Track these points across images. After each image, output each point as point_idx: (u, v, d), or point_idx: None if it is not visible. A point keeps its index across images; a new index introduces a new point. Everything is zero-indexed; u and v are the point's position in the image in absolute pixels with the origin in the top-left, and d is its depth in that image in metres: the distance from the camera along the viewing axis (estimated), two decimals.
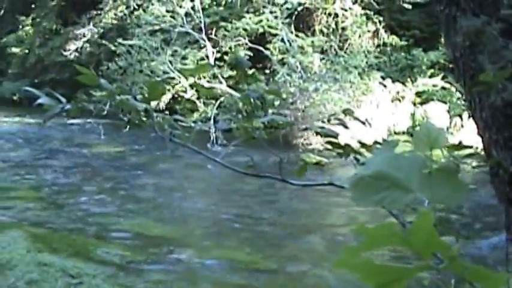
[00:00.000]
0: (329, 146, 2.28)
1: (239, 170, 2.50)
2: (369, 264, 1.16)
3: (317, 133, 2.34)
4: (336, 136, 2.25)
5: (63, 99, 2.41)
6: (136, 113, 2.47)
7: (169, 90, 18.04)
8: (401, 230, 1.17)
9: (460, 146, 2.06)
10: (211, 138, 16.29)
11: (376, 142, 2.13)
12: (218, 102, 17.72)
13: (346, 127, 2.33)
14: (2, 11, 36.70)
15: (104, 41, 25.27)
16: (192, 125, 16.56)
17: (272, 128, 12.34)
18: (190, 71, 2.41)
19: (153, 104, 2.64)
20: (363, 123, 2.52)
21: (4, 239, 6.96)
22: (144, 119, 2.45)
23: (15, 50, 33.94)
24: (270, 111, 2.64)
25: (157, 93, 2.47)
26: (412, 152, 1.40)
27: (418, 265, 1.15)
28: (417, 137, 1.41)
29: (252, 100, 2.41)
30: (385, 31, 20.90)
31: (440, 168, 1.32)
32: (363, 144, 2.16)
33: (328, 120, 2.32)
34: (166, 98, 18.84)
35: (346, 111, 2.55)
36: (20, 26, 34.52)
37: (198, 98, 18.30)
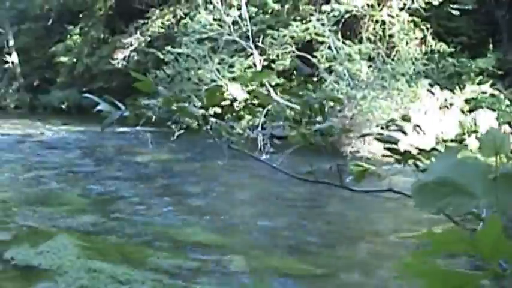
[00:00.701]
0: (388, 152, 2.27)
1: (298, 177, 2.50)
2: (436, 270, 1.16)
3: (377, 139, 2.33)
4: (396, 142, 2.24)
5: (122, 106, 2.45)
6: (194, 120, 2.49)
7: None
8: (468, 235, 1.17)
9: None
10: (259, 146, 16.30)
11: (434, 149, 2.13)
12: (266, 110, 17.74)
13: (405, 133, 2.33)
14: (51, 21, 37.18)
15: (151, 50, 25.50)
16: (241, 132, 16.70)
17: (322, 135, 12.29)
18: (250, 78, 2.41)
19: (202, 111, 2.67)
20: (418, 129, 2.51)
21: (55, 246, 7.06)
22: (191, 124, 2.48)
23: (63, 59, 34.32)
24: (318, 118, 2.64)
25: (216, 99, 2.49)
26: (475, 158, 1.40)
27: (486, 271, 1.14)
28: (483, 143, 1.40)
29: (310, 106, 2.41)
30: (433, 38, 20.72)
31: (506, 174, 1.31)
32: (421, 151, 2.15)
33: (387, 127, 2.31)
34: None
35: (405, 118, 2.54)
36: (68, 36, 34.93)
37: (246, 106, 18.31)
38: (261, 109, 18.03)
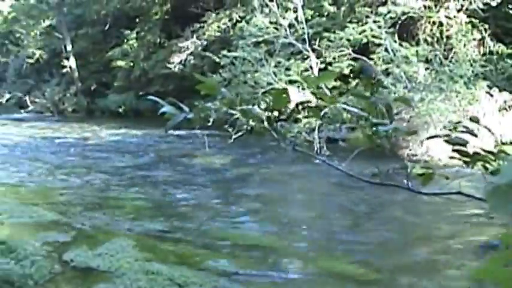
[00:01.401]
0: (455, 155, 2.22)
1: (365, 179, 2.47)
2: None
3: (446, 141, 2.28)
4: (465, 144, 2.19)
5: (186, 108, 2.44)
6: (259, 122, 2.47)
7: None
8: None
9: None
10: (315, 149, 16.26)
11: (501, 151, 2.07)
12: (322, 113, 17.63)
13: (474, 135, 2.27)
14: (107, 26, 37.65)
15: (207, 53, 25.64)
16: (298, 134, 16.66)
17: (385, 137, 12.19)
18: (315, 80, 2.38)
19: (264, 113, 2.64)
20: (489, 131, 2.45)
21: (113, 248, 7.12)
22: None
23: (120, 63, 34.74)
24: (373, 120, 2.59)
25: (282, 102, 2.46)
26: None
27: None
28: None
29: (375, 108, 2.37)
30: (491, 39, 20.44)
31: None
32: (488, 153, 2.10)
33: (455, 128, 2.26)
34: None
35: (473, 119, 2.48)
36: (125, 40, 35.33)
37: (303, 109, 18.24)
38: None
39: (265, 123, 2.48)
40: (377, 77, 18.91)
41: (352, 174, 2.55)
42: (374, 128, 2.36)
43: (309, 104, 2.44)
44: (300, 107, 17.62)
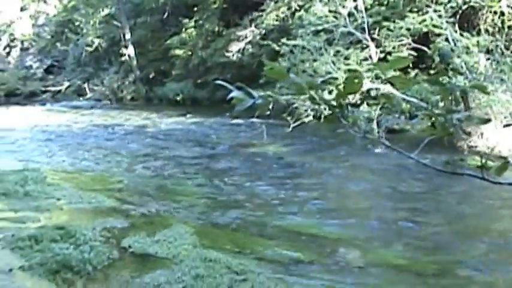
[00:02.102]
0: None
1: (438, 168, 2.39)
2: None
3: None
4: None
5: (255, 94, 2.39)
6: (330, 108, 2.41)
7: (324, 90, 18.01)
8: None
9: None
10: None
11: None
12: (381, 103, 17.47)
13: None
14: (166, 14, 37.84)
15: (265, 42, 25.56)
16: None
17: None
18: (388, 65, 2.32)
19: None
20: None
21: (171, 234, 7.16)
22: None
23: (178, 51, 34.87)
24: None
25: (354, 87, 2.39)
26: None
27: None
28: None
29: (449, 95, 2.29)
30: None
31: None
32: None
33: None
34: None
35: None
36: (184, 29, 35.41)
37: (384, 95, 18.03)
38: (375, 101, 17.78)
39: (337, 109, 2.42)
40: (437, 67, 18.66)
41: (425, 163, 2.47)
42: (447, 117, 2.28)
43: (382, 92, 2.37)
44: (358, 96, 17.43)
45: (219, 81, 2.67)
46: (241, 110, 2.39)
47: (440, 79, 2.40)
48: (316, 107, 18.75)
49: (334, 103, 2.41)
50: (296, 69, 20.31)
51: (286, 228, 8.16)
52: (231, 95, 2.38)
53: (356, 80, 2.36)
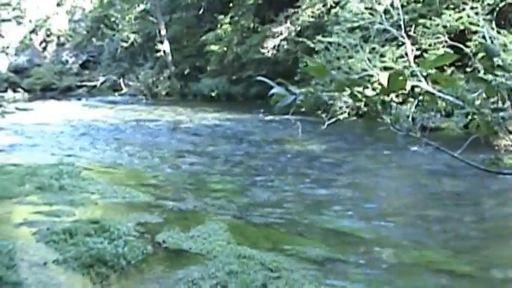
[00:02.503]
0: None
1: (483, 168, 2.35)
2: None
3: None
4: None
5: (297, 91, 2.37)
6: (373, 105, 2.38)
7: (367, 88, 17.92)
8: None
9: None
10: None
11: None
12: (416, 101, 17.33)
13: None
14: (201, 10, 37.91)
15: (301, 39, 25.51)
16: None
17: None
18: (431, 63, 2.27)
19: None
20: None
21: (205, 230, 7.16)
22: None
23: (213, 47, 34.92)
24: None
25: (399, 84, 2.36)
26: None
27: None
28: None
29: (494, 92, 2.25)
30: None
31: None
32: None
33: None
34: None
35: None
36: (219, 25, 35.47)
37: (396, 96, 17.96)
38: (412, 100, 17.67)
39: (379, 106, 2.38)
40: (473, 65, 18.48)
41: (471, 163, 2.42)
42: (493, 115, 2.24)
43: (424, 89, 2.32)
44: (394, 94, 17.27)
45: (260, 78, 2.65)
46: (282, 106, 2.37)
47: (485, 77, 2.35)
48: (350, 103, 18.71)
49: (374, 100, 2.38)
50: (331, 67, 20.24)
51: (321, 226, 8.13)
52: (272, 91, 2.36)
53: (401, 78, 2.33)
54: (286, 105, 2.34)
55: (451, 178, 11.65)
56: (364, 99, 2.41)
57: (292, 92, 2.32)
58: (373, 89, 2.37)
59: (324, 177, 12.00)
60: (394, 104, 2.42)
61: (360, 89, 2.37)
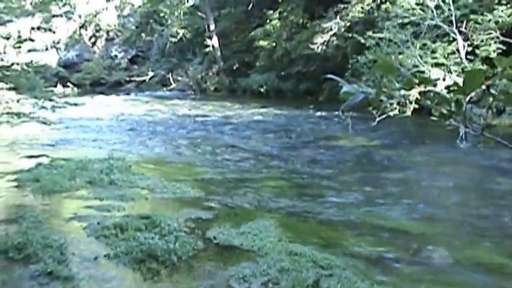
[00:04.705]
0: None
1: None
2: None
3: None
4: None
5: (369, 89, 2.31)
6: (446, 104, 2.31)
7: (418, 85, 17.76)
8: None
9: None
10: (460, 135, 15.79)
11: None
12: (469, 97, 17.09)
13: None
14: (250, 5, 37.94)
15: (350, 34, 25.39)
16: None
17: None
18: (508, 61, 2.19)
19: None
20: None
21: (256, 227, 7.13)
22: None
23: (262, 43, 34.95)
24: None
25: (475, 83, 2.28)
26: None
27: None
28: None
29: None
30: None
31: None
32: None
33: None
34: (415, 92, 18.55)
35: None
36: (268, 20, 35.45)
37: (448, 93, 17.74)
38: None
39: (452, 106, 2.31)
40: None
41: None
42: None
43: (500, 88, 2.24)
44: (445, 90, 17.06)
45: (330, 76, 2.59)
46: (350, 105, 2.32)
47: None
48: (402, 100, 18.53)
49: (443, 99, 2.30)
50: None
51: (373, 223, 8.03)
52: (344, 89, 2.31)
53: (477, 76, 2.25)
54: (355, 103, 2.28)
55: (503, 176, 11.46)
56: (437, 98, 2.34)
57: (363, 91, 2.27)
58: (447, 88, 2.30)
59: (375, 174, 11.88)
60: (464, 104, 2.35)
61: (432, 88, 2.30)
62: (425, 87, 2.42)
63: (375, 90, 2.32)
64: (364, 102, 2.30)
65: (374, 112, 15.78)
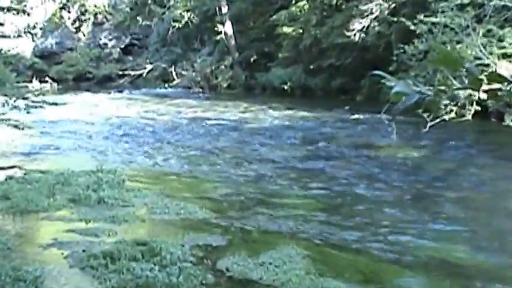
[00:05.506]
0: None
1: None
2: None
3: None
4: None
5: (424, 88, 2.29)
6: None
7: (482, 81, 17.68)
8: None
9: None
10: None
11: None
12: None
13: None
14: None
15: (396, 19, 25.31)
16: None
17: None
18: None
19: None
20: None
21: (278, 256, 7.12)
22: None
23: (286, 29, 34.82)
24: None
25: None
26: None
27: None
28: None
29: None
30: None
31: None
32: None
33: None
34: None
35: None
36: (293, 1, 35.36)
37: None
38: None
39: None
40: None
41: None
42: None
43: None
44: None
45: (376, 72, 2.56)
46: (402, 107, 2.29)
47: None
48: (462, 101, 18.41)
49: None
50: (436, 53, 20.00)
51: (422, 253, 8.00)
52: (395, 89, 2.28)
53: None
54: (409, 105, 2.26)
55: None
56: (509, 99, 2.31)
57: (420, 91, 2.24)
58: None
59: (425, 192, 11.83)
60: None
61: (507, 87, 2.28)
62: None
63: (432, 89, 2.29)
64: (417, 104, 2.27)
65: (424, 115, 15.70)
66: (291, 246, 7.57)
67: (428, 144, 16.59)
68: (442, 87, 2.40)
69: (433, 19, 20.84)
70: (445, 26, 20.26)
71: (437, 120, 16.36)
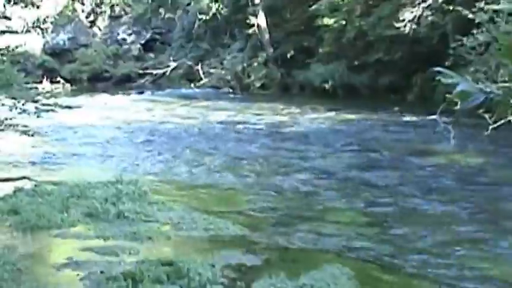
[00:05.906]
0: None
1: None
2: None
3: None
4: None
5: (492, 87, 2.26)
6: None
7: None
8: None
9: None
10: None
11: None
12: None
13: None
14: None
15: (452, 7, 25.19)
16: None
17: None
18: None
19: None
20: None
21: (321, 277, 7.10)
22: None
23: (327, 21, 34.72)
24: None
25: None
26: None
27: None
28: None
29: None
30: None
31: None
32: None
33: None
34: None
35: None
36: None
37: None
38: None
39: None
40: None
41: None
42: None
43: None
44: None
45: (438, 69, 2.54)
46: (467, 108, 2.27)
47: None
48: None
49: None
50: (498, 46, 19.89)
51: (483, 274, 7.95)
52: (460, 87, 2.25)
53: None
54: (475, 106, 2.23)
55: None
56: None
57: (487, 90, 2.21)
58: None
59: (489, 206, 11.74)
60: None
61: None
62: None
63: (498, 87, 2.26)
64: (481, 104, 2.25)
65: (486, 116, 15.58)
66: (335, 266, 7.54)
67: (490, 149, 16.49)
68: (507, 84, 2.37)
69: (495, 6, 20.69)
70: (510, 14, 20.14)
71: (501, 121, 16.28)
